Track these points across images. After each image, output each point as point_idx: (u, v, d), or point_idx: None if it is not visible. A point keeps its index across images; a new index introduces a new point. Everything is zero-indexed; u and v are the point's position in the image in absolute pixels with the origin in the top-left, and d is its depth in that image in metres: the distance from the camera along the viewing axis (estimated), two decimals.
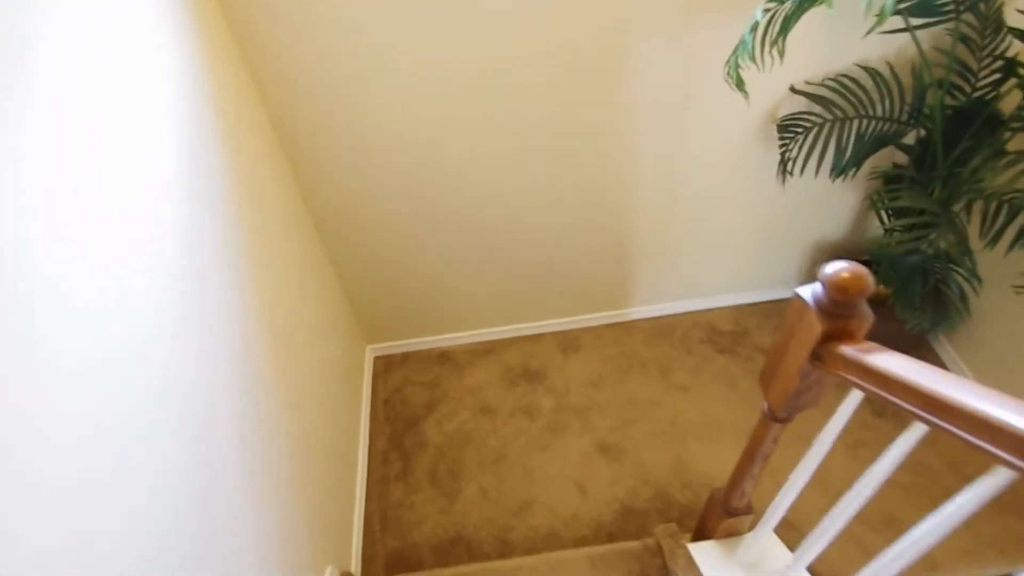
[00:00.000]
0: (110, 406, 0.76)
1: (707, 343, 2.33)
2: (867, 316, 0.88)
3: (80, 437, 0.69)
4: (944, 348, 2.16)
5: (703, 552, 1.48)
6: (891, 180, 1.87)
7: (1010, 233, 1.55)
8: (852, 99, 1.66)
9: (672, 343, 2.35)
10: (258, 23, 1.40)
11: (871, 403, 2.09)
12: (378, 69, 1.52)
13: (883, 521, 1.80)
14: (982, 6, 1.44)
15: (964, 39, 1.51)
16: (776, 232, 2.20)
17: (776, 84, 1.72)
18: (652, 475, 1.97)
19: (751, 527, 1.54)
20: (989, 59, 1.53)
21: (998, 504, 1.58)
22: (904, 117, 1.67)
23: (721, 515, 1.48)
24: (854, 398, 0.91)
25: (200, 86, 1.17)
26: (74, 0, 0.84)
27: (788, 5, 1.26)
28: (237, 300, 1.18)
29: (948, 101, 1.60)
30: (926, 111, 1.63)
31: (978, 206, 1.61)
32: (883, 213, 1.90)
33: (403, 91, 1.58)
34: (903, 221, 1.65)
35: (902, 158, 1.94)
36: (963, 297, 1.59)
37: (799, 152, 1.75)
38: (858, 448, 1.97)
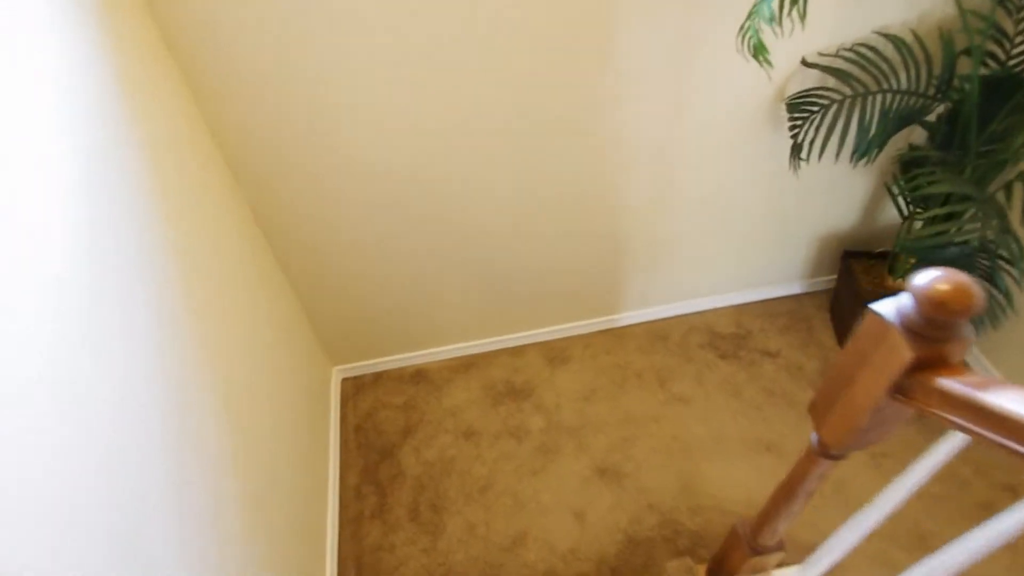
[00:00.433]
0: None
1: (707, 348, 2.14)
2: (967, 338, 0.67)
3: None
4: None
5: None
6: (910, 163, 1.69)
7: None
8: (873, 71, 1.47)
9: (669, 349, 2.14)
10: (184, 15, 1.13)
11: None
12: (335, 62, 1.27)
13: (913, 538, 1.62)
14: None
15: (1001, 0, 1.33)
16: (779, 224, 2.00)
17: (784, 57, 1.51)
18: (657, 499, 1.76)
19: (779, 564, 1.34)
20: None
21: None
22: (931, 91, 1.48)
23: (746, 553, 1.27)
24: (953, 442, 0.71)
25: (111, 83, 0.92)
26: None
27: None
28: (164, 327, 0.93)
29: (980, 71, 1.41)
30: (956, 83, 1.44)
31: (1018, 189, 1.43)
32: (901, 200, 1.71)
33: (365, 82, 1.33)
34: (933, 211, 1.46)
35: (918, 138, 1.76)
36: (1007, 293, 1.41)
37: (816, 133, 1.55)
38: (881, 458, 1.79)
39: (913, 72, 1.47)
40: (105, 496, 0.73)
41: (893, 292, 1.95)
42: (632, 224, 1.88)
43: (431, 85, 1.38)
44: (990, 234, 1.25)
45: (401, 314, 1.98)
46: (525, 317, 2.12)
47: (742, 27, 1.18)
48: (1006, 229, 1.29)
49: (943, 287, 0.64)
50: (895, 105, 1.46)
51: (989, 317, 1.45)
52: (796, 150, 1.60)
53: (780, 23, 1.11)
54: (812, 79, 1.57)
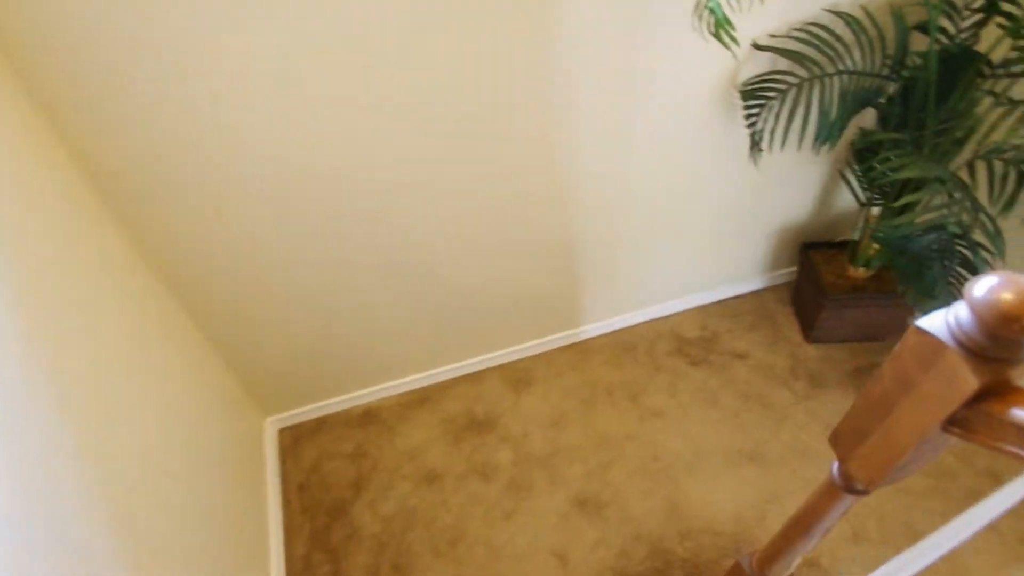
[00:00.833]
0: None
1: (676, 355, 2.02)
2: None
3: None
4: None
5: None
6: (863, 150, 1.63)
7: None
8: (828, 51, 1.38)
9: (637, 360, 2.02)
10: None
11: None
12: (241, 65, 1.06)
13: (904, 534, 1.55)
14: None
15: None
16: (738, 219, 1.92)
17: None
18: (644, 527, 1.62)
19: None
20: None
21: None
22: (885, 70, 1.42)
23: None
24: None
25: None
26: None
27: None
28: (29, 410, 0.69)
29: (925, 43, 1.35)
30: (909, 60, 1.38)
31: (981, 168, 1.38)
32: (858, 188, 1.65)
33: (284, 91, 1.12)
34: (906, 198, 1.38)
35: (868, 122, 1.71)
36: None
37: (776, 120, 1.45)
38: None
39: (868, 51, 1.39)
40: None
41: (855, 281, 1.89)
42: (587, 230, 1.73)
43: (345, 76, 1.18)
44: (966, 217, 1.18)
45: (340, 351, 1.76)
46: (480, 340, 1.94)
47: (697, 6, 1.05)
48: (979, 209, 1.22)
49: (1009, 296, 0.51)
50: (852, 86, 1.38)
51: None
52: (756, 140, 1.50)
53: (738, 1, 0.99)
54: (763, 64, 1.47)
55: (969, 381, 0.54)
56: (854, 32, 1.38)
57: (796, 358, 1.97)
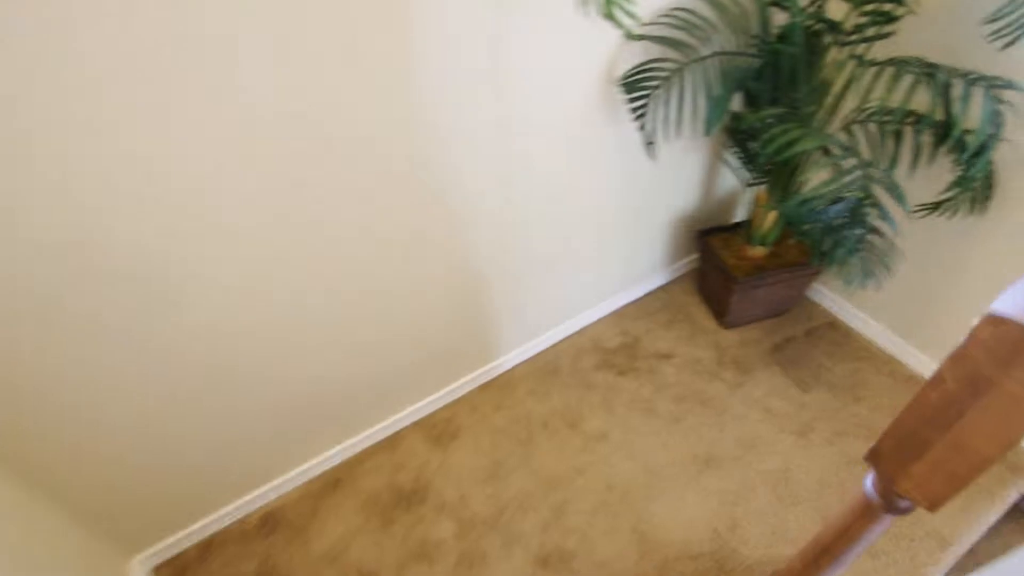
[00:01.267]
0: None
1: (603, 368, 1.90)
2: None
3: None
4: (820, 292, 2.04)
5: None
6: (735, 131, 1.63)
7: (906, 154, 1.36)
8: (699, 34, 1.34)
9: (565, 383, 1.87)
10: None
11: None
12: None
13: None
14: None
15: None
16: (638, 217, 1.85)
17: (601, 35, 1.32)
18: (617, 570, 1.45)
19: None
20: None
21: None
22: (753, 49, 1.40)
23: None
24: None
25: None
26: None
27: None
28: None
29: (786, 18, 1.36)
30: (772, 38, 1.37)
31: (858, 130, 1.41)
32: (741, 169, 1.64)
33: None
34: (809, 175, 1.36)
35: (736, 104, 1.72)
36: (891, 242, 1.37)
37: (666, 109, 1.38)
38: (811, 434, 1.70)
39: (735, 31, 1.37)
40: None
41: (756, 261, 1.89)
42: (482, 254, 1.55)
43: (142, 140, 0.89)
44: (870, 179, 1.17)
45: (209, 461, 1.40)
46: (389, 398, 1.67)
47: None
48: (875, 167, 1.22)
49: None
50: (727, 67, 1.35)
51: (884, 268, 1.40)
52: (648, 133, 1.42)
53: None
54: (637, 55, 1.40)
55: None
56: (718, 12, 1.35)
57: (718, 347, 1.93)
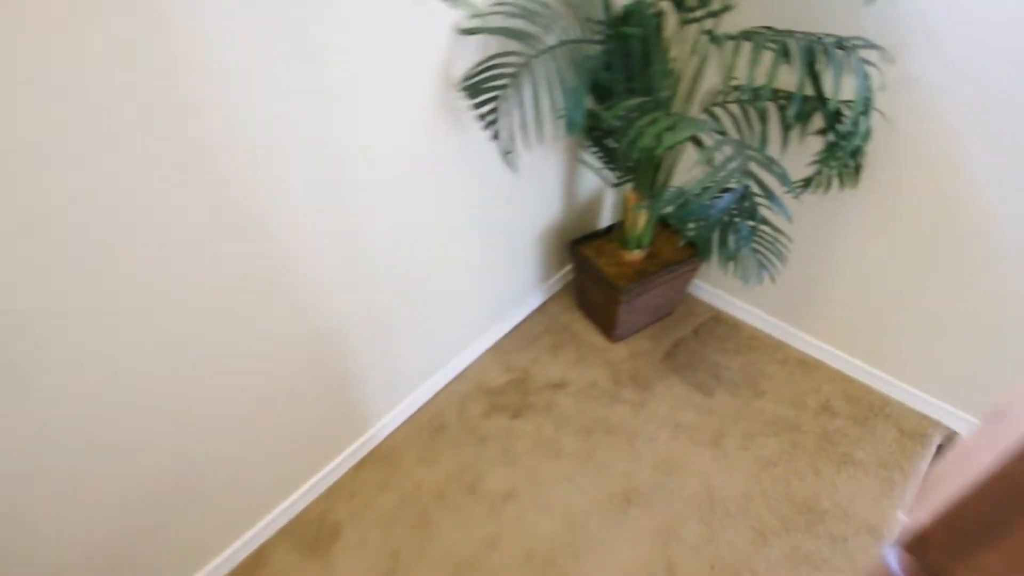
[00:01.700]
0: None
1: (494, 413, 1.66)
2: None
3: None
4: (698, 287, 1.99)
5: None
6: (596, 127, 1.50)
7: (775, 134, 1.30)
8: (540, 21, 1.17)
9: (454, 439, 1.60)
10: None
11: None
12: None
13: None
14: None
15: None
16: (502, 239, 1.65)
17: (428, 35, 1.11)
18: None
19: None
20: None
21: None
22: (600, 36, 1.27)
23: None
24: None
25: None
26: None
27: None
28: None
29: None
30: (616, 22, 1.25)
31: (720, 113, 1.33)
32: (603, 167, 1.51)
33: None
34: (703, 158, 1.24)
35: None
36: (778, 230, 1.29)
37: (521, 110, 1.18)
38: (722, 439, 1.59)
39: (577, 17, 1.23)
40: None
41: (635, 265, 1.77)
42: (338, 317, 1.25)
43: None
44: (754, 163, 1.07)
45: None
46: (246, 503, 1.29)
47: None
48: (752, 148, 1.13)
49: None
50: (576, 57, 1.19)
51: (776, 258, 1.32)
52: (503, 141, 1.22)
53: None
54: (474, 54, 1.20)
55: None
56: None
57: (611, 365, 1.79)
